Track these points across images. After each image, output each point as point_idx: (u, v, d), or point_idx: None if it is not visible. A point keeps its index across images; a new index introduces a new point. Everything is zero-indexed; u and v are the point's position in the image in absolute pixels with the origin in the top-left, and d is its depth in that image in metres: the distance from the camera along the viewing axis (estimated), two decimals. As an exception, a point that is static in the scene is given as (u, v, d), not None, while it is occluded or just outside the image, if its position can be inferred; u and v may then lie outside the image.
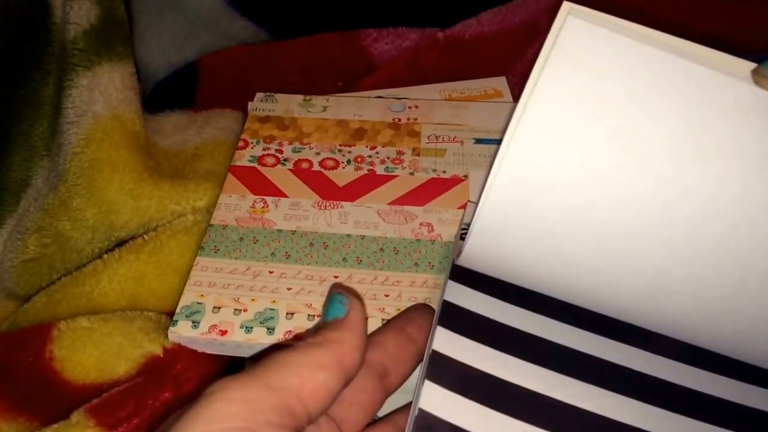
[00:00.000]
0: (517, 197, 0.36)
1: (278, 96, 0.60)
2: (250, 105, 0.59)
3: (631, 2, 0.64)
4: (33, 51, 0.59)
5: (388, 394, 0.36)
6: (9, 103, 0.59)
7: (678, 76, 0.30)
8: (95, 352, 0.44)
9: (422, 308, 0.40)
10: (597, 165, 0.33)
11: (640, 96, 0.31)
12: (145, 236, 0.51)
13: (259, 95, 0.60)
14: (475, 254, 0.40)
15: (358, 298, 0.35)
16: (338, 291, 0.35)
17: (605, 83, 0.31)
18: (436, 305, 0.41)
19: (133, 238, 0.53)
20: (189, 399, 0.39)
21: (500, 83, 0.64)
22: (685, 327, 0.38)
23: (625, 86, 0.31)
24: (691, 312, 0.37)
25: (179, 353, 0.43)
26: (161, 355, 0.43)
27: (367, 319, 0.35)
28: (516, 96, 0.62)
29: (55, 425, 0.40)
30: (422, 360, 0.36)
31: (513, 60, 0.66)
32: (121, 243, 0.53)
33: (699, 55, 0.30)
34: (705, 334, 0.38)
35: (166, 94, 0.67)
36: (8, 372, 0.44)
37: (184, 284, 0.45)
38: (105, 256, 0.51)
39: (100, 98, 0.55)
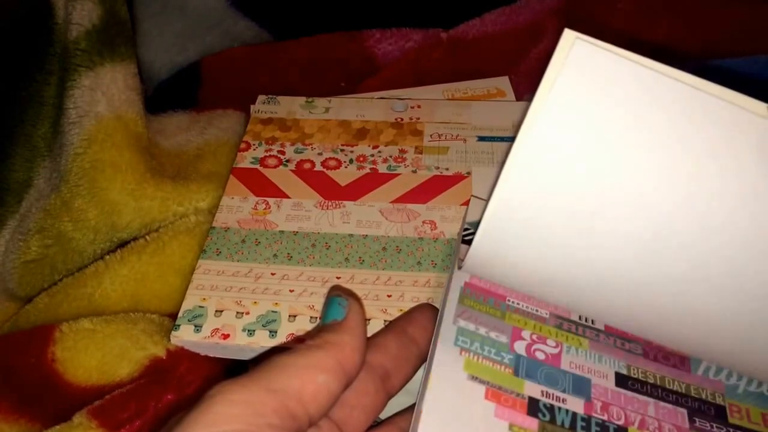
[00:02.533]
0: (521, 210, 0.36)
1: (280, 98, 0.60)
2: (253, 107, 0.59)
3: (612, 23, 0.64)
4: (35, 51, 0.59)
5: (390, 396, 0.36)
6: (11, 103, 0.59)
7: (685, 104, 0.30)
8: (97, 354, 0.44)
9: (425, 308, 0.40)
10: (603, 185, 0.34)
11: (646, 120, 0.31)
12: (147, 237, 0.51)
13: (261, 97, 0.60)
14: (478, 262, 0.40)
15: (357, 299, 0.35)
16: (337, 293, 0.35)
17: (611, 107, 0.31)
18: (439, 305, 0.41)
19: (135, 239, 0.53)
20: (191, 401, 0.39)
21: (503, 83, 0.64)
22: (690, 341, 0.38)
23: (631, 110, 0.31)
24: (698, 327, 0.37)
25: (182, 355, 0.43)
26: (164, 358, 0.43)
27: (366, 320, 0.35)
28: (519, 95, 0.62)
29: (57, 427, 0.40)
30: (425, 361, 0.36)
31: (516, 60, 0.66)
32: (123, 244, 0.53)
33: (703, 88, 0.30)
34: (710, 349, 0.38)
35: (168, 94, 0.67)
36: (10, 373, 0.44)
37: (186, 286, 0.45)
38: (107, 257, 0.51)
39: (103, 99, 0.55)
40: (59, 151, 0.56)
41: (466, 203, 0.49)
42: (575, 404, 0.35)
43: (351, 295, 0.39)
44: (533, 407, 0.34)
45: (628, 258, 0.35)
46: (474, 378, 0.35)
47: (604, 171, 0.33)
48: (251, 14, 0.72)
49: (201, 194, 0.53)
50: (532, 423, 0.33)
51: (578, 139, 0.32)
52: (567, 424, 0.34)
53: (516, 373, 0.35)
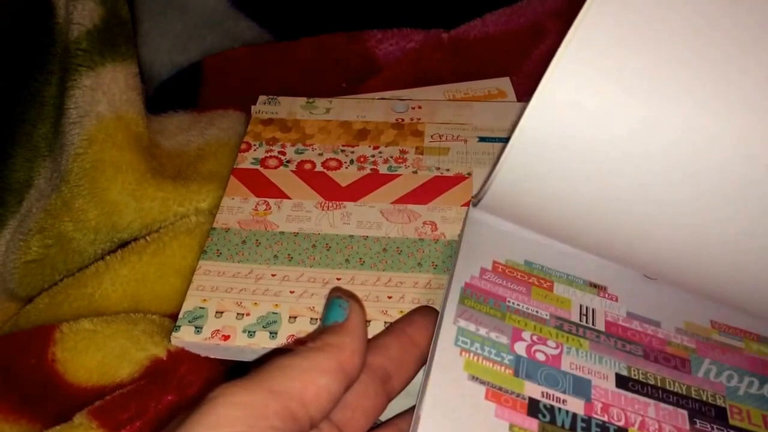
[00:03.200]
0: (547, 139, 0.37)
1: (281, 99, 0.60)
2: (254, 108, 0.59)
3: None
4: (36, 51, 0.59)
5: (390, 398, 0.36)
6: (12, 103, 0.59)
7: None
8: (98, 355, 0.44)
9: (425, 311, 0.40)
10: (634, 109, 0.34)
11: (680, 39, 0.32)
12: (148, 237, 0.51)
13: (262, 98, 0.60)
14: (498, 199, 0.40)
15: (358, 301, 0.35)
16: (337, 295, 0.35)
17: (648, 27, 0.32)
18: (439, 307, 0.41)
19: (135, 239, 0.53)
20: (192, 402, 0.39)
21: (504, 84, 0.64)
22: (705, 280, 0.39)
23: (668, 30, 0.31)
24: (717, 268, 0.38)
25: (183, 356, 0.43)
26: (165, 358, 0.43)
27: (367, 322, 0.35)
28: (520, 96, 0.62)
29: (58, 427, 0.40)
30: (425, 363, 0.36)
31: (518, 61, 0.66)
32: (123, 244, 0.53)
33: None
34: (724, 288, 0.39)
35: (169, 94, 0.67)
36: (11, 374, 0.44)
37: (187, 286, 0.45)
38: (107, 257, 0.51)
39: (103, 99, 0.56)
40: (60, 151, 0.56)
41: (467, 204, 0.49)
42: (575, 405, 0.35)
43: (351, 296, 0.39)
44: (533, 408, 0.34)
45: (654, 177, 0.36)
46: (474, 378, 0.35)
47: (638, 89, 0.33)
48: (252, 14, 0.72)
49: (201, 194, 0.53)
50: (532, 423, 0.33)
51: (612, 57, 0.33)
52: (567, 425, 0.34)
53: (516, 373, 0.36)
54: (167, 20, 0.70)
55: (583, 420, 0.34)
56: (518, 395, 0.34)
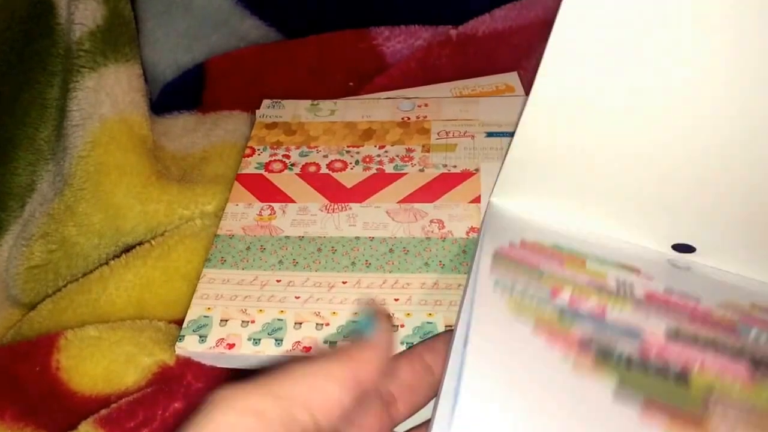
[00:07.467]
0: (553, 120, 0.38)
1: (285, 102, 0.59)
2: (257, 112, 0.59)
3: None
4: (37, 52, 0.59)
5: (395, 422, 0.35)
6: (13, 106, 0.59)
7: None
8: (103, 362, 0.44)
9: (448, 338, 0.38)
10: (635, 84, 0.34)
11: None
12: (153, 241, 0.51)
13: (265, 102, 0.60)
14: (511, 186, 0.39)
15: (389, 320, 0.34)
16: (369, 311, 0.34)
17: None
18: (446, 309, 0.41)
19: (140, 243, 0.52)
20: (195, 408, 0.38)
21: (512, 78, 0.63)
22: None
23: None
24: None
25: (189, 363, 0.43)
26: (172, 365, 0.43)
27: (393, 343, 0.34)
28: (529, 91, 0.62)
29: (64, 435, 0.40)
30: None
31: (526, 56, 0.66)
32: (128, 248, 0.53)
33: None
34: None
35: (173, 95, 0.67)
36: (16, 382, 0.44)
37: (192, 291, 0.45)
38: (112, 262, 0.51)
39: (107, 100, 0.55)
40: (63, 154, 0.56)
41: (475, 200, 0.49)
42: (630, 347, 0.33)
43: (385, 315, 0.38)
44: (585, 344, 0.33)
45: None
46: (518, 317, 0.34)
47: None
48: (258, 12, 0.71)
49: (207, 197, 0.53)
50: (586, 358, 0.32)
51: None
52: (623, 364, 0.32)
53: (561, 319, 0.34)
54: (171, 19, 0.70)
55: (639, 362, 0.33)
56: (567, 333, 0.33)
